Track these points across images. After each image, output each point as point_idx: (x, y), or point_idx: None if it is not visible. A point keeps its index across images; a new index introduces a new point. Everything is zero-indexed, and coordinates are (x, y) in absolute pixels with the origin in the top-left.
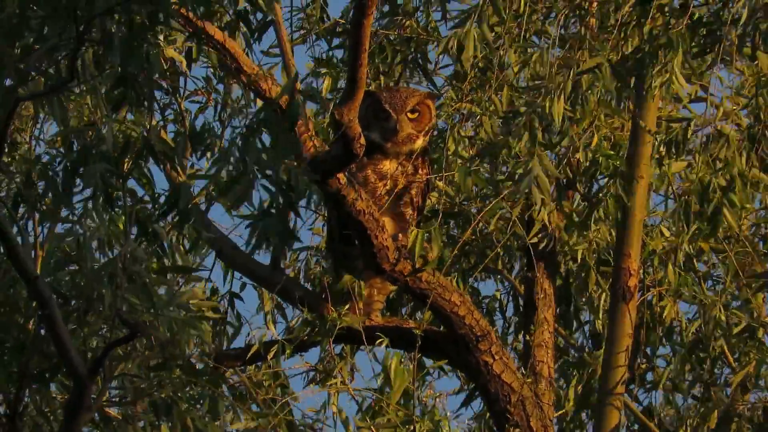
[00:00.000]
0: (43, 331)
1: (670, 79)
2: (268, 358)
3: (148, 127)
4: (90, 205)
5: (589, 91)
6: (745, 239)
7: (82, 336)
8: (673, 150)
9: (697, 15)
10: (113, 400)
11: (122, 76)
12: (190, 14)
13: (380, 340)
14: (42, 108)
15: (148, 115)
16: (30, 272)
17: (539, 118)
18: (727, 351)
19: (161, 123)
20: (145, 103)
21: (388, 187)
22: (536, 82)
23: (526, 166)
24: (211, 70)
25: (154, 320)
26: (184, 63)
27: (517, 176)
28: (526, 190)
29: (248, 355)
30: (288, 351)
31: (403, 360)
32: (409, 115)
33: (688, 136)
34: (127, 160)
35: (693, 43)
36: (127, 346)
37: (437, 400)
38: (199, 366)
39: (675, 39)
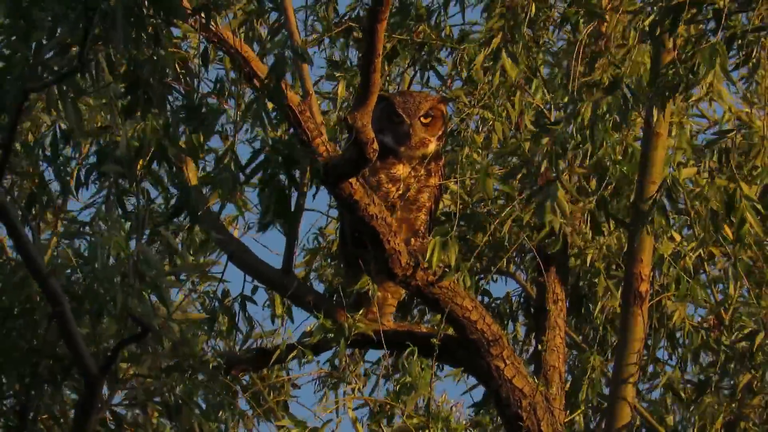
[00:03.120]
0: (53, 333)
1: (712, 93)
2: (287, 362)
3: (161, 130)
4: (104, 207)
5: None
6: (756, 244)
7: (94, 337)
8: (724, 159)
9: (732, 27)
10: (125, 402)
11: (133, 80)
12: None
13: (410, 348)
14: (55, 111)
15: (161, 117)
16: (42, 270)
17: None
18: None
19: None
20: (155, 108)
21: (400, 192)
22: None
23: (547, 192)
24: (225, 73)
25: (165, 321)
26: (196, 62)
27: (535, 201)
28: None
29: (269, 361)
30: (309, 356)
31: (423, 365)
32: (422, 119)
33: (737, 143)
34: (141, 163)
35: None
36: (137, 346)
37: (454, 408)
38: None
39: (710, 52)
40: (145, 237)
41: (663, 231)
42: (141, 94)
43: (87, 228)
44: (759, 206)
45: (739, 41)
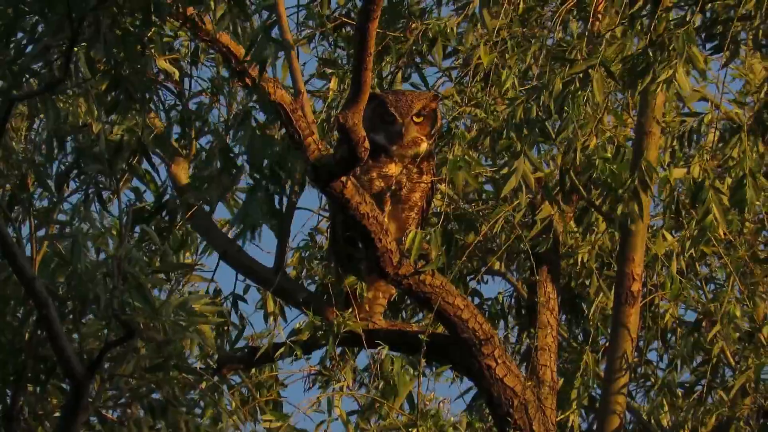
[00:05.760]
0: (38, 333)
1: (673, 77)
2: (275, 359)
3: (141, 127)
4: (82, 207)
5: (579, 93)
6: (747, 242)
7: (78, 337)
8: (686, 144)
9: (709, 12)
10: (109, 402)
11: (115, 78)
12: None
13: (381, 346)
14: (36, 110)
15: (141, 115)
16: (27, 273)
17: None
18: (728, 353)
19: (165, 124)
20: (137, 105)
21: (392, 190)
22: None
23: (511, 165)
24: (216, 70)
25: (149, 322)
26: (177, 74)
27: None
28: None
29: (255, 358)
30: (298, 353)
31: (404, 364)
32: (414, 118)
33: (702, 131)
34: (121, 161)
35: (707, 40)
36: (123, 346)
37: (441, 404)
38: (201, 367)
39: (681, 38)
40: (136, 233)
41: (635, 218)
42: (122, 92)
43: (67, 228)
44: (725, 199)
45: (719, 28)
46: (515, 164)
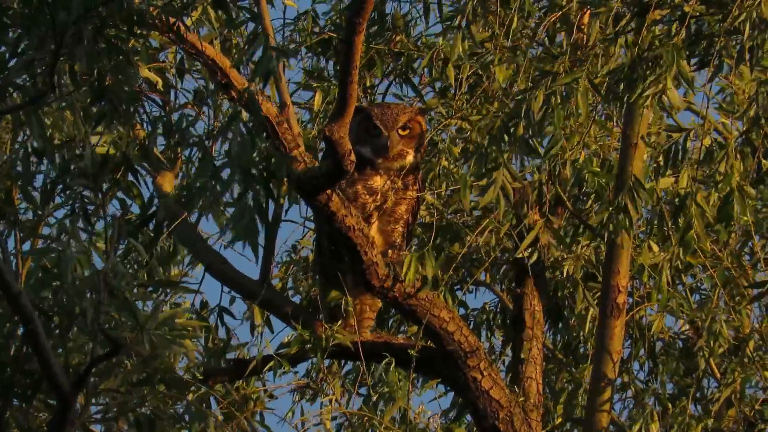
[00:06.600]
0: (24, 348)
1: (663, 91)
2: (263, 373)
3: (127, 141)
4: (68, 222)
5: (561, 107)
6: (731, 253)
7: (64, 352)
8: (671, 161)
9: (694, 27)
10: (96, 416)
11: (99, 90)
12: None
13: (387, 359)
14: (20, 124)
15: (126, 128)
16: (13, 288)
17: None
18: (713, 365)
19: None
20: (121, 117)
21: (378, 203)
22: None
23: (490, 177)
24: (203, 82)
25: (136, 336)
26: (161, 82)
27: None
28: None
29: (244, 374)
30: (286, 367)
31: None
32: (400, 131)
33: (687, 146)
34: (105, 175)
35: (691, 55)
36: (110, 361)
37: (431, 420)
38: (187, 377)
39: (670, 51)
40: (122, 246)
41: (625, 230)
42: (107, 105)
43: (53, 244)
44: (709, 215)
45: (703, 43)
46: (494, 176)
